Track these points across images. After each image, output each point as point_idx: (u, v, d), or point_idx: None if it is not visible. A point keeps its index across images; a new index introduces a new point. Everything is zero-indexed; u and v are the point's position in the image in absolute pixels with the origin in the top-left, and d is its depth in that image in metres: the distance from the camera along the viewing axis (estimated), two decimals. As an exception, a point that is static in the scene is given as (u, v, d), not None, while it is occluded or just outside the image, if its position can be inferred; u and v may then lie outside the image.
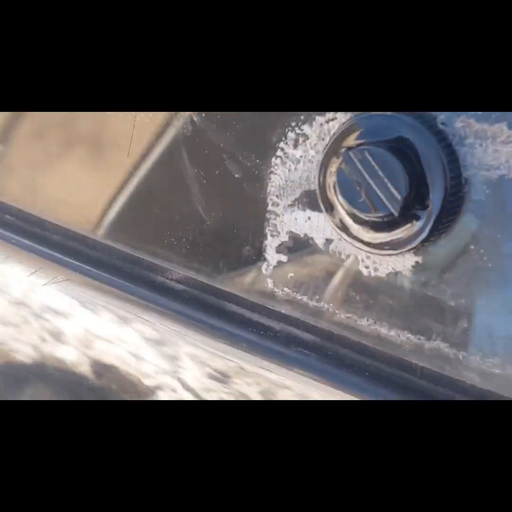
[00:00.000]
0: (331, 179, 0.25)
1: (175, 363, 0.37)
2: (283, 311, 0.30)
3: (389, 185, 0.23)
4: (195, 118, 0.30)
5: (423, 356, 0.27)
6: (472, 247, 0.24)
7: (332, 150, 0.25)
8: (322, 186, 0.26)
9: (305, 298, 0.29)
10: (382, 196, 0.23)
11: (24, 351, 0.42)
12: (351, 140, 0.24)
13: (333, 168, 0.25)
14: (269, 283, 0.29)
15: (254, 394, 0.33)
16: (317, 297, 0.29)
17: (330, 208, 0.26)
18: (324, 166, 0.25)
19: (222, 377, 0.34)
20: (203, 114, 0.31)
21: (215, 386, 0.35)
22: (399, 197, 0.22)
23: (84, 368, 0.39)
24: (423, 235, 0.23)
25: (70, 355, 0.39)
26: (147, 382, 0.38)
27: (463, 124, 0.23)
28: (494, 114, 0.23)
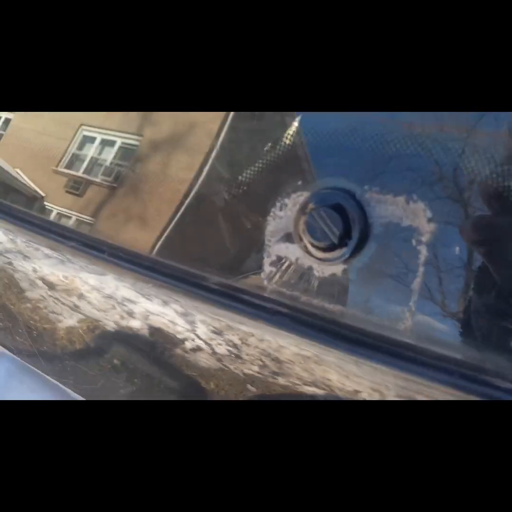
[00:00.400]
0: (300, 226, 0.45)
1: (193, 325, 0.54)
2: (272, 297, 0.47)
3: (332, 227, 0.43)
4: (224, 194, 0.50)
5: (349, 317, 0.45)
6: (373, 259, 0.43)
7: (301, 211, 0.45)
8: (296, 229, 0.46)
9: (283, 289, 0.47)
10: (328, 233, 0.43)
11: (110, 325, 0.60)
12: (310, 205, 0.44)
13: (301, 220, 0.44)
14: (265, 282, 0.48)
15: (236, 340, 0.50)
16: (291, 288, 0.47)
17: (299, 240, 0.45)
18: (296, 219, 0.45)
19: (218, 332, 0.52)
20: (229, 192, 0.50)
21: (215, 337, 0.52)
22: (337, 233, 0.42)
23: (144, 331, 0.57)
24: (348, 254, 0.42)
25: (136, 324, 0.57)
26: (178, 336, 0.55)
27: (368, 195, 0.44)
28: (383, 188, 0.42)
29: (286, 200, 0.46)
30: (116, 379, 0.64)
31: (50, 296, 0.67)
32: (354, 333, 0.45)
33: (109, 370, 0.65)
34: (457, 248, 0.40)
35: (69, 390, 0.82)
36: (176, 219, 0.54)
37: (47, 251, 0.64)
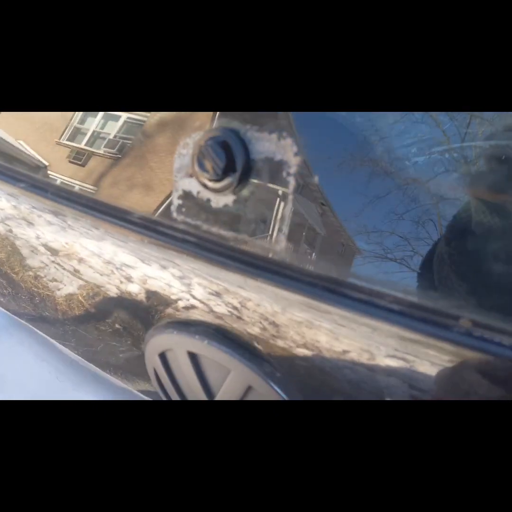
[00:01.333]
0: (195, 162, 0.52)
1: (189, 287, 0.57)
2: (180, 227, 0.55)
3: (217, 160, 0.49)
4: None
5: (240, 241, 0.53)
6: (255, 189, 0.48)
7: (198, 147, 0.52)
8: (193, 166, 0.52)
9: (189, 219, 0.54)
10: (214, 166, 0.49)
11: (111, 290, 0.65)
12: (203, 141, 0.51)
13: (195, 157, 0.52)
14: (175, 214, 0.55)
15: (235, 303, 0.53)
16: (194, 218, 0.53)
17: (196, 175, 0.52)
18: (193, 156, 0.52)
19: (216, 294, 0.55)
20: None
21: (213, 298, 0.56)
22: (221, 165, 0.49)
23: (141, 295, 0.62)
24: (234, 184, 0.49)
25: (135, 288, 0.62)
26: (173, 297, 0.59)
27: (251, 133, 0.50)
28: (267, 126, 0.49)
29: (188, 140, 0.52)
30: (115, 343, 0.71)
31: (52, 261, 0.71)
32: (242, 255, 0.51)
33: (109, 335, 0.70)
34: (316, 177, 0.46)
35: (57, 344, 0.88)
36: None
37: (50, 217, 0.67)
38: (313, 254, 0.48)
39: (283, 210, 0.48)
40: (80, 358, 0.85)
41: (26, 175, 0.70)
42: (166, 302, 0.60)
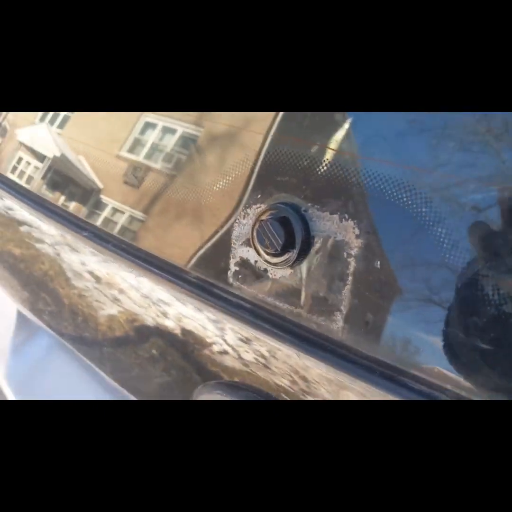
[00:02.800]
0: (255, 234, 0.51)
1: (222, 331, 0.57)
2: (235, 292, 0.54)
3: (277, 237, 0.48)
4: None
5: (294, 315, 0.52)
6: (313, 266, 0.48)
7: (257, 220, 0.51)
8: (252, 237, 0.52)
9: (244, 286, 0.53)
10: (273, 242, 0.48)
11: (148, 320, 0.67)
12: (264, 216, 0.50)
13: (255, 229, 0.51)
14: (231, 280, 0.55)
15: (263, 351, 0.53)
16: (250, 286, 0.53)
17: (254, 246, 0.51)
18: (253, 227, 0.52)
19: (246, 340, 0.55)
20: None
21: (242, 344, 0.56)
22: (280, 242, 0.48)
23: (177, 331, 0.63)
24: (292, 260, 0.48)
25: (170, 323, 0.63)
26: (208, 340, 0.59)
27: (310, 212, 0.49)
28: (323, 208, 0.47)
29: (248, 210, 0.52)
30: (152, 368, 0.71)
31: (95, 288, 0.73)
32: (296, 328, 0.50)
33: (145, 360, 0.71)
34: (378, 262, 0.44)
35: (98, 371, 0.90)
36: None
37: (92, 249, 0.70)
38: (366, 335, 0.46)
39: (342, 290, 0.46)
40: (118, 387, 0.85)
41: (73, 216, 0.72)
42: (201, 342, 0.60)
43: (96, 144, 0.72)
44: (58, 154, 0.77)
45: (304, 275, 0.49)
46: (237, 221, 0.53)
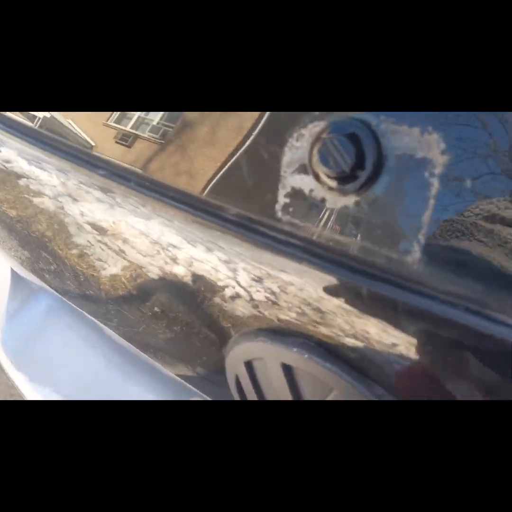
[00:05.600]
0: (314, 156, 0.43)
1: (235, 272, 0.52)
2: (285, 228, 0.46)
3: (345, 156, 0.40)
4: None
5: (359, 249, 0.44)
6: (385, 191, 0.40)
7: (316, 141, 0.42)
8: (310, 160, 0.44)
9: (297, 221, 0.45)
10: (340, 162, 0.39)
11: (153, 271, 0.60)
12: (325, 134, 0.42)
13: (315, 150, 0.42)
14: (280, 214, 0.47)
15: (275, 287, 0.49)
16: (304, 220, 0.45)
17: (313, 171, 0.43)
18: (311, 150, 0.43)
19: (258, 279, 0.51)
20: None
21: (255, 284, 0.51)
22: (349, 162, 0.39)
23: (187, 278, 0.56)
24: (359, 184, 0.40)
25: (180, 270, 0.56)
26: (220, 283, 0.54)
27: (385, 125, 0.41)
28: (403, 119, 0.39)
29: (303, 131, 0.44)
30: (155, 325, 0.66)
31: (98, 241, 0.67)
32: (360, 264, 0.43)
33: (149, 317, 0.66)
34: (469, 182, 0.37)
35: (104, 327, 0.83)
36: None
37: (98, 194, 0.63)
38: (449, 268, 0.39)
39: (422, 215, 0.39)
40: (127, 344, 0.79)
41: (76, 149, 0.65)
42: (213, 288, 0.54)
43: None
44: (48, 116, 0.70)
45: (373, 202, 0.41)
46: (288, 146, 0.45)
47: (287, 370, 0.51)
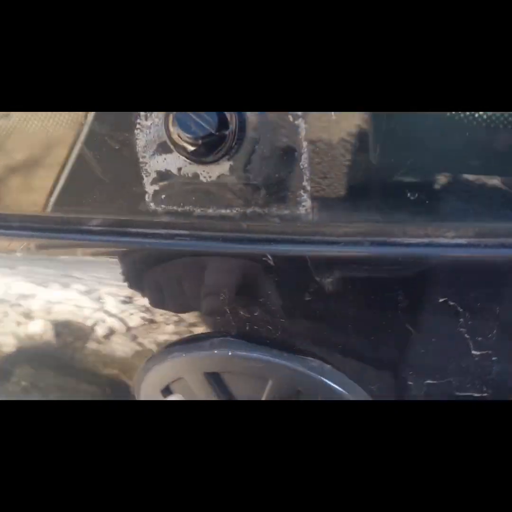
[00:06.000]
0: (173, 129, 0.37)
1: (100, 301, 0.46)
2: (164, 220, 0.40)
3: (205, 116, 0.34)
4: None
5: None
6: (256, 145, 0.36)
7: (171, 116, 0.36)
8: (169, 134, 0.38)
9: (174, 207, 0.40)
10: (203, 124, 0.34)
11: (8, 342, 0.50)
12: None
13: (171, 121, 0.36)
14: (152, 206, 0.41)
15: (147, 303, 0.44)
16: (181, 204, 0.40)
17: (176, 146, 0.37)
18: (166, 123, 0.37)
19: (128, 299, 0.45)
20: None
21: (125, 306, 0.45)
22: (212, 121, 0.34)
23: (48, 334, 0.47)
24: (229, 144, 0.35)
25: (38, 326, 0.48)
26: (88, 322, 0.47)
27: None
28: None
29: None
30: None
31: None
32: (256, 233, 0.39)
33: (20, 394, 0.55)
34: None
35: None
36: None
37: None
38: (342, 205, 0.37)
39: (298, 161, 0.36)
40: None
41: None
42: (82, 332, 0.47)
43: None
44: None
45: (248, 162, 0.37)
46: (138, 127, 0.39)
47: (213, 378, 0.44)
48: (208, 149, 0.37)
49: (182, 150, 0.38)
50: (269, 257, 0.38)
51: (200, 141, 0.36)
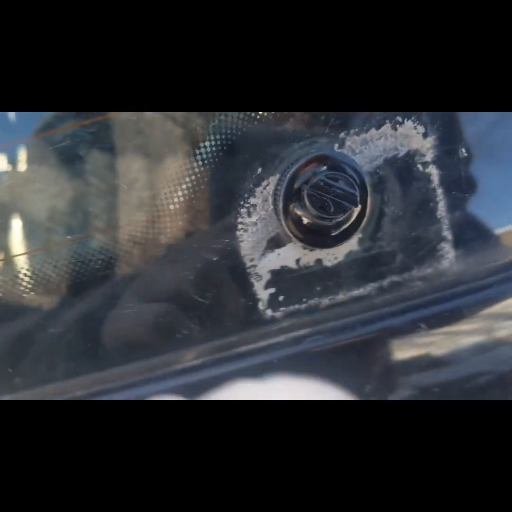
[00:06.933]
0: (290, 220, 0.30)
1: None
2: (285, 325, 0.34)
3: (343, 189, 0.28)
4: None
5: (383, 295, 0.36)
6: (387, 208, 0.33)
7: (286, 199, 0.30)
8: (282, 226, 0.31)
9: (295, 305, 0.34)
10: (347, 195, 0.28)
11: None
12: (297, 185, 0.29)
13: (292, 208, 0.30)
14: (269, 313, 0.33)
15: None
16: (302, 298, 0.34)
17: (292, 236, 0.31)
18: (284, 212, 0.30)
19: None
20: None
21: None
22: (355, 192, 0.28)
23: None
24: (353, 216, 0.30)
25: None
26: None
27: (349, 144, 0.31)
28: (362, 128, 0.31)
29: (251, 199, 0.32)
30: None
31: None
32: (396, 303, 0.34)
33: None
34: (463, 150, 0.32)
35: None
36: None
37: None
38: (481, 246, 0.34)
39: (436, 212, 0.33)
40: None
41: None
42: None
43: None
44: None
45: (378, 228, 0.33)
46: (240, 225, 0.32)
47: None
48: (334, 226, 0.31)
49: (301, 239, 0.31)
50: (422, 325, 0.34)
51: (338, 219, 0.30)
